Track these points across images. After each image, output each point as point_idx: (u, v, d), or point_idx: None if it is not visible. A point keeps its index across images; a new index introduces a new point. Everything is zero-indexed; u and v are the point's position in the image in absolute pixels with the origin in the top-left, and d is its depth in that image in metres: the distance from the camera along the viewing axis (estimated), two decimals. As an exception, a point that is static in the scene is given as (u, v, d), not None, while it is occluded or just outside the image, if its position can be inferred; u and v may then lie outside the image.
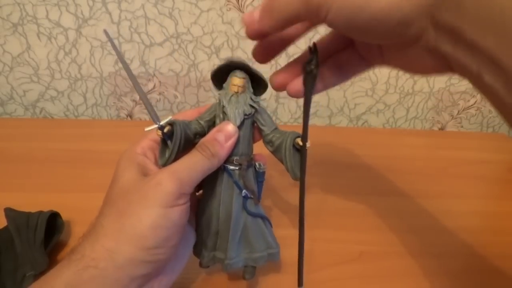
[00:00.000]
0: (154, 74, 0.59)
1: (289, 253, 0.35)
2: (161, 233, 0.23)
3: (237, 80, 0.27)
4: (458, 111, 0.68)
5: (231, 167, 0.28)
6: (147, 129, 0.25)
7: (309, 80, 0.24)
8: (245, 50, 0.57)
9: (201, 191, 0.30)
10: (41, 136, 0.53)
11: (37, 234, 0.32)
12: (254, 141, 0.30)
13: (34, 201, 0.35)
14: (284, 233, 0.39)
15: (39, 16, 0.53)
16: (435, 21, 0.19)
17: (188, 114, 0.29)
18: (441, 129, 0.70)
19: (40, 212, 0.34)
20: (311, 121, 0.66)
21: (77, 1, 0.53)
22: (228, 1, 0.54)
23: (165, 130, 0.25)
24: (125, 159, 0.27)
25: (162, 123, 0.25)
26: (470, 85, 0.67)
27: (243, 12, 0.55)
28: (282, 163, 0.28)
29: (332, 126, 0.67)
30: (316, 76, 0.24)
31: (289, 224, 0.39)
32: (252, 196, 0.28)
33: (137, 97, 0.61)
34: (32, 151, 0.49)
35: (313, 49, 0.24)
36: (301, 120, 0.65)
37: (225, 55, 0.58)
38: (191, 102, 0.62)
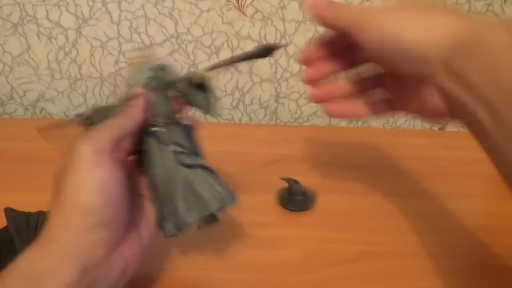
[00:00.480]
0: (154, 74, 0.59)
1: (285, 253, 0.35)
2: (98, 193, 0.24)
3: (131, 54, 0.29)
4: (458, 111, 0.68)
5: (153, 129, 0.29)
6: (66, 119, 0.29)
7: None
8: (244, 50, 0.57)
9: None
10: (41, 136, 0.53)
11: (37, 234, 0.32)
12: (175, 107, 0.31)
13: (34, 201, 0.35)
14: (283, 233, 0.39)
15: (39, 16, 0.53)
16: (447, 64, 0.24)
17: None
18: (441, 129, 0.70)
19: (40, 212, 0.34)
20: (311, 121, 0.66)
21: (77, 1, 0.53)
22: (228, 1, 0.54)
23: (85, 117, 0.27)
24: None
25: (81, 112, 0.27)
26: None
27: (243, 12, 0.55)
28: (195, 106, 0.29)
29: (332, 126, 0.67)
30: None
31: (289, 224, 0.39)
32: (182, 150, 0.29)
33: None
34: (32, 151, 0.49)
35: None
36: (301, 120, 0.65)
37: (225, 55, 0.58)
38: (191, 102, 0.62)
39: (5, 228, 0.33)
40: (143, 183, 0.30)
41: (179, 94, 0.30)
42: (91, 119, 0.27)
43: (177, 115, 0.30)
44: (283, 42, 0.57)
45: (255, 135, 0.55)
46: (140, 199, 0.30)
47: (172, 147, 0.28)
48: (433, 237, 0.39)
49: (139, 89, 0.29)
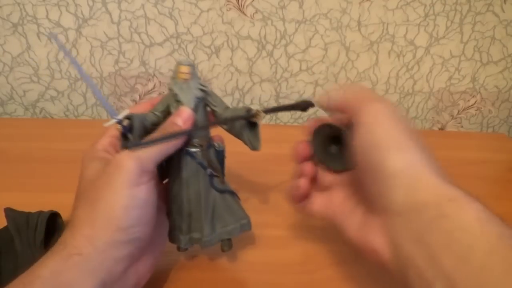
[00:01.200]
0: (154, 74, 0.59)
1: (285, 253, 0.35)
2: (132, 212, 0.24)
3: (183, 68, 0.29)
4: (458, 111, 0.68)
5: (193, 149, 0.29)
6: (106, 124, 0.26)
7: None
8: (244, 50, 0.58)
9: (167, 180, 0.31)
10: (41, 136, 0.53)
11: (37, 234, 0.32)
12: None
13: (34, 201, 0.35)
14: (283, 233, 0.39)
15: (39, 16, 0.53)
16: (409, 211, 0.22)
17: (142, 106, 0.31)
18: (441, 129, 0.70)
19: (40, 212, 0.34)
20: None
21: (77, 1, 0.53)
22: (228, 1, 0.54)
23: (125, 123, 0.26)
24: (87, 157, 0.28)
25: (120, 117, 0.26)
26: (470, 85, 0.67)
27: (243, 12, 0.55)
28: (239, 138, 0.30)
29: (332, 126, 0.67)
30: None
31: (289, 224, 0.39)
32: (217, 174, 0.30)
33: (137, 97, 0.62)
34: (32, 151, 0.49)
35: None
36: (301, 120, 0.65)
37: (225, 55, 0.58)
38: (191, 102, 0.63)
39: (5, 228, 0.33)
40: (163, 197, 0.31)
41: (227, 127, 0.31)
42: (131, 127, 0.27)
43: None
44: (283, 42, 0.57)
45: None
46: (160, 215, 0.29)
47: (209, 171, 0.30)
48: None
49: (188, 111, 0.28)
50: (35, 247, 0.31)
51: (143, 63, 0.58)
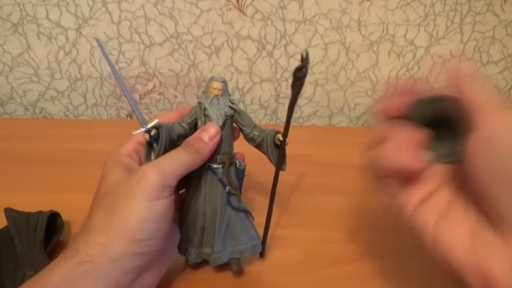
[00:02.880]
0: (154, 74, 0.59)
1: (285, 253, 0.35)
2: (149, 225, 0.24)
3: (216, 83, 0.29)
4: (458, 111, 0.68)
5: (215, 166, 0.30)
6: (134, 132, 0.27)
7: (297, 85, 0.25)
8: (244, 50, 0.58)
9: (183, 190, 0.32)
10: (41, 136, 0.53)
11: (37, 234, 0.32)
12: (233, 139, 0.31)
13: (34, 201, 0.35)
14: (283, 233, 0.39)
15: (39, 16, 0.53)
16: None
17: (170, 115, 0.31)
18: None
19: (40, 212, 0.34)
20: (311, 121, 0.66)
21: (77, 1, 0.53)
22: (228, 1, 0.54)
23: (152, 133, 0.26)
24: (110, 160, 0.28)
25: (149, 126, 0.26)
26: (470, 85, 0.67)
27: (243, 12, 0.55)
28: (265, 155, 0.30)
29: (332, 126, 0.67)
30: (303, 83, 0.25)
31: (289, 224, 0.39)
32: (235, 192, 0.30)
33: (137, 97, 0.62)
34: (32, 151, 0.49)
35: (305, 57, 0.25)
36: (301, 120, 0.65)
37: (225, 55, 0.58)
38: (191, 102, 0.62)
39: (5, 228, 0.33)
40: (178, 207, 0.30)
41: (254, 144, 0.31)
42: (158, 136, 0.27)
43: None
44: (283, 42, 0.57)
45: (255, 135, 0.55)
46: (172, 228, 0.29)
47: (228, 188, 0.30)
48: (433, 237, 0.39)
49: (216, 127, 0.28)
50: (35, 247, 0.31)
51: (143, 63, 0.58)
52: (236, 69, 0.59)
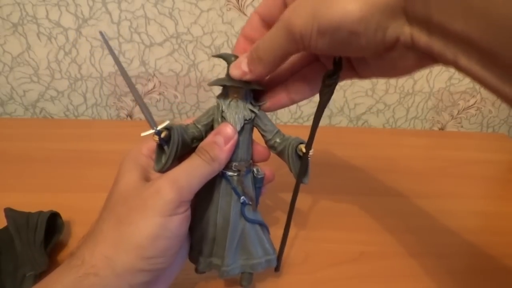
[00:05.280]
0: (154, 74, 0.59)
1: (287, 253, 0.35)
2: (160, 243, 0.23)
3: (233, 89, 0.26)
4: (458, 111, 0.68)
5: (230, 173, 0.27)
6: (143, 134, 0.24)
7: (326, 93, 0.24)
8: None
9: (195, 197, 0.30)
10: (41, 136, 0.53)
11: (37, 234, 0.32)
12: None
13: (34, 201, 0.35)
14: (280, 233, 0.39)
15: (39, 16, 0.53)
16: (408, 16, 0.19)
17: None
18: (441, 129, 0.70)
19: (40, 212, 0.34)
20: (311, 121, 0.66)
21: (77, 1, 0.53)
22: (228, 1, 0.54)
23: (162, 135, 0.24)
24: (128, 160, 0.26)
25: (159, 128, 0.24)
26: (470, 85, 0.67)
27: (243, 12, 0.55)
28: (287, 165, 0.28)
29: (332, 126, 0.67)
30: (333, 91, 0.24)
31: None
32: (250, 203, 0.28)
33: (137, 97, 0.61)
34: (32, 151, 0.49)
35: (337, 62, 0.23)
36: (301, 120, 0.65)
37: (225, 55, 0.58)
38: (191, 102, 0.63)
39: (5, 228, 0.33)
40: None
41: (276, 152, 0.28)
42: (169, 139, 0.25)
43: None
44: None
45: (255, 135, 0.55)
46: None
47: (242, 198, 0.27)
48: (433, 237, 0.39)
49: (231, 130, 0.26)
50: (35, 247, 0.31)
51: (143, 63, 0.58)
52: (236, 69, 0.59)
